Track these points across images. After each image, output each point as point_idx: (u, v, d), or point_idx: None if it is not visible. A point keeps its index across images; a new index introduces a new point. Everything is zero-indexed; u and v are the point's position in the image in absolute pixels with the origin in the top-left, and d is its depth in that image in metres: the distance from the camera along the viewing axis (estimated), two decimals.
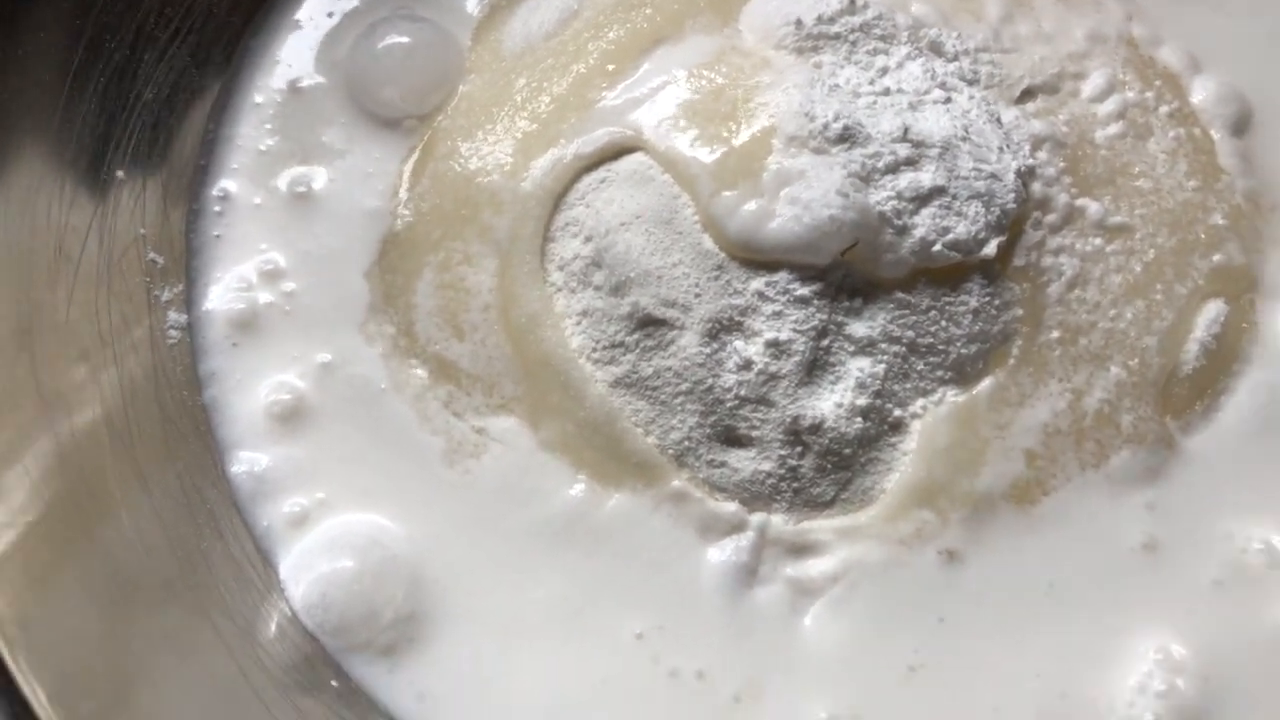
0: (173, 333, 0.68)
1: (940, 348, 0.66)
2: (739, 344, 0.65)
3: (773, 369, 0.65)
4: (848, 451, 0.66)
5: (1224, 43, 0.76)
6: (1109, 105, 0.73)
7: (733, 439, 0.66)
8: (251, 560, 0.64)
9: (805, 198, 0.64)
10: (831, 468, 0.66)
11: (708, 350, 0.65)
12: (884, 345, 0.65)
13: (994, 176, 0.67)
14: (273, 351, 0.69)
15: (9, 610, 0.54)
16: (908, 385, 0.66)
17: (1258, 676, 0.65)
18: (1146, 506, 0.67)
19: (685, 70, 0.69)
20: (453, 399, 0.69)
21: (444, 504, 0.66)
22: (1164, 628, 0.65)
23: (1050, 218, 0.69)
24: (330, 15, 0.75)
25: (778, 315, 0.65)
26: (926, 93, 0.69)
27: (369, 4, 0.76)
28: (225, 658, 0.61)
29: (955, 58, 0.72)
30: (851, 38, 0.70)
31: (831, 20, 0.70)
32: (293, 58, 0.75)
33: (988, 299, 0.67)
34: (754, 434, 0.65)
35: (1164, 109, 0.74)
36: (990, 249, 0.66)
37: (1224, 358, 0.70)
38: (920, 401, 0.66)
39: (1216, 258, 0.71)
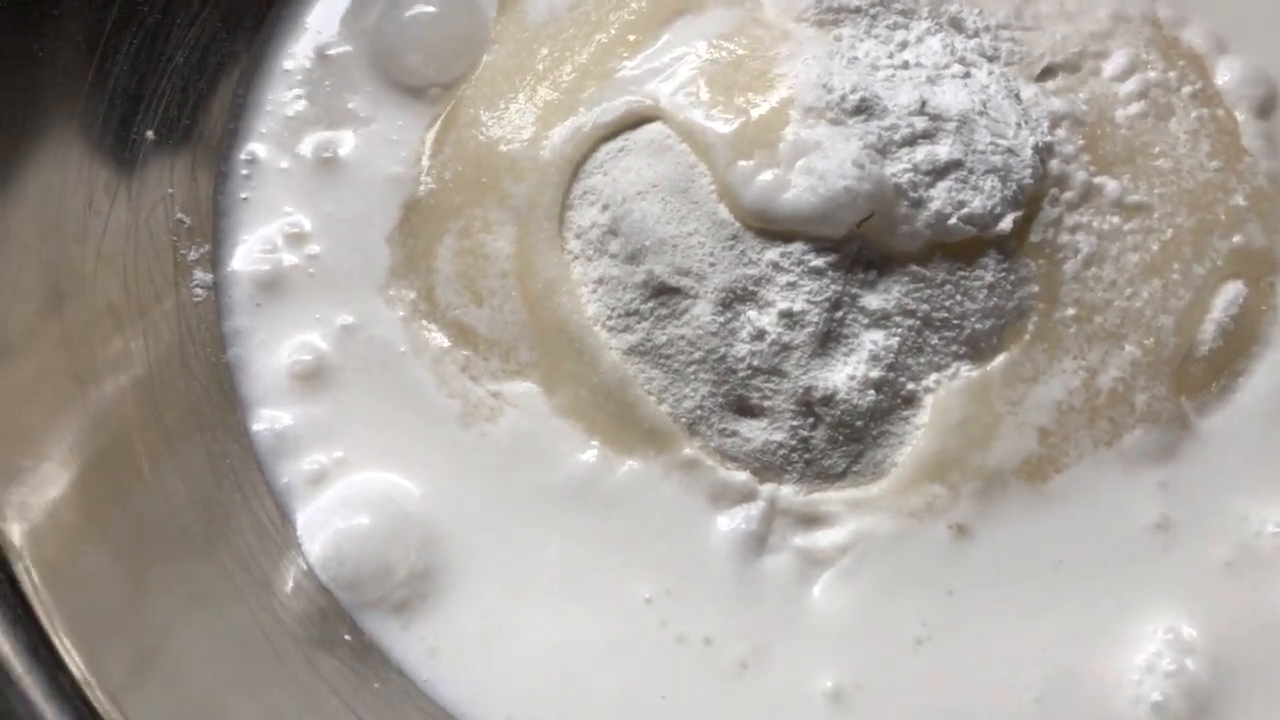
0: (199, 291, 0.70)
1: (955, 322, 0.66)
2: (752, 314, 0.66)
3: (786, 339, 0.65)
4: (859, 424, 0.66)
5: (1250, 24, 0.76)
6: (1130, 85, 0.73)
7: (745, 409, 0.66)
8: (270, 516, 0.66)
9: (821, 168, 0.64)
10: (843, 440, 0.66)
11: (721, 319, 0.66)
12: (898, 318, 0.66)
13: (1011, 151, 0.67)
14: (296, 312, 0.70)
15: (40, 565, 0.55)
16: (921, 359, 0.66)
17: (1268, 658, 0.65)
18: (1159, 486, 0.67)
19: (705, 41, 0.69)
20: (470, 363, 0.70)
21: (459, 465, 0.68)
22: (1174, 608, 0.65)
23: (1068, 195, 0.69)
24: None
25: (792, 286, 0.65)
26: (945, 67, 0.69)
27: None
28: (244, 610, 0.63)
29: (976, 34, 0.72)
30: (872, 11, 0.70)
31: None
32: (321, 25, 0.76)
33: (1003, 274, 0.67)
34: (766, 404, 0.66)
35: (1187, 89, 0.74)
36: (1006, 224, 0.66)
37: (1242, 339, 0.70)
38: (933, 376, 0.67)
39: (1236, 239, 0.71)
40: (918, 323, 0.66)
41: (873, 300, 0.66)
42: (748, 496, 0.66)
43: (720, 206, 0.66)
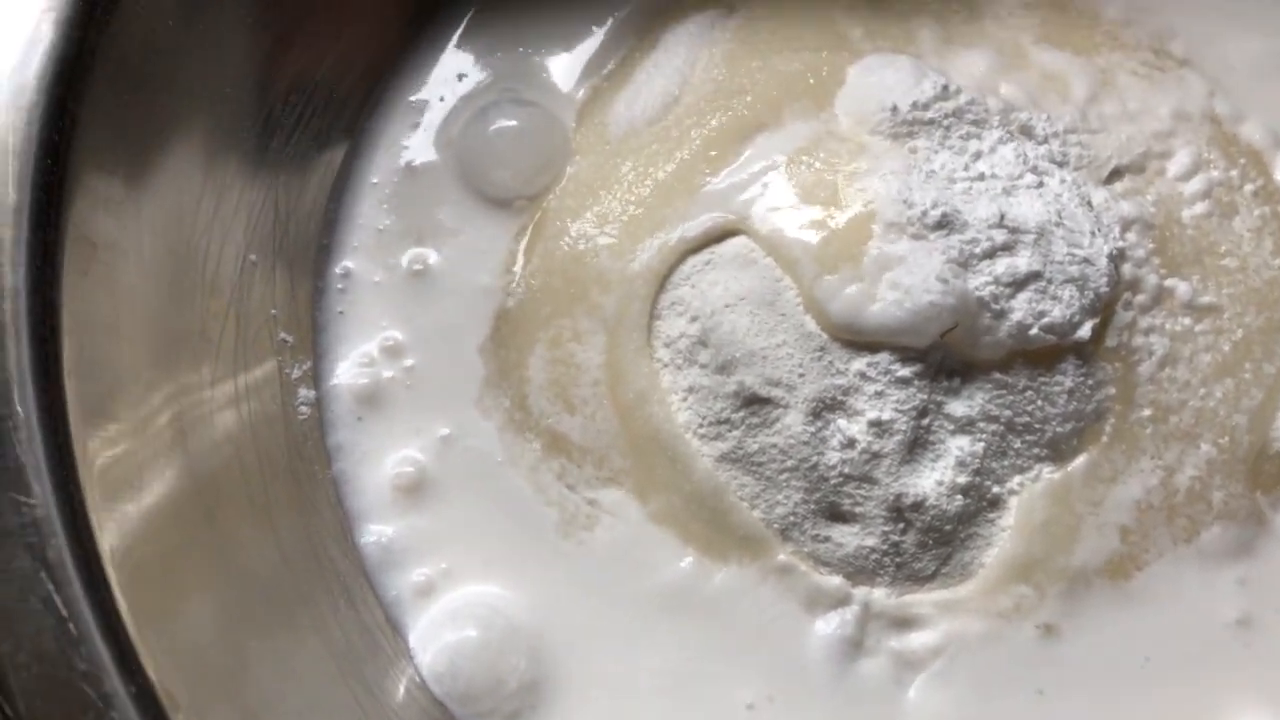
0: (303, 409, 0.72)
1: (1037, 426, 0.68)
2: (842, 423, 0.68)
3: (875, 447, 0.67)
4: (948, 528, 0.68)
5: None
6: (1195, 184, 0.75)
7: (837, 514, 0.69)
8: (381, 627, 0.68)
9: (906, 283, 0.66)
10: (933, 543, 0.68)
11: (812, 429, 0.68)
12: (982, 424, 0.68)
13: (1087, 261, 0.69)
14: (395, 425, 0.72)
15: (167, 682, 0.57)
16: (1005, 463, 0.69)
17: None
18: (1238, 582, 0.69)
19: (785, 156, 0.72)
20: (565, 471, 0.72)
21: (560, 574, 0.70)
22: (1259, 703, 0.67)
23: (1140, 298, 0.71)
24: (442, 99, 0.79)
25: (879, 395, 0.68)
26: (1019, 177, 0.71)
27: (479, 88, 0.79)
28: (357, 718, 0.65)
29: (1045, 140, 0.74)
30: (945, 123, 0.73)
31: (926, 106, 0.72)
32: (407, 139, 0.78)
33: (1082, 379, 0.69)
34: (857, 510, 0.68)
35: (1249, 187, 0.76)
36: (1085, 331, 0.68)
37: None
38: (1017, 478, 0.69)
39: None
40: (1001, 428, 0.68)
41: (958, 407, 0.68)
42: (842, 601, 0.68)
43: (807, 319, 0.68)
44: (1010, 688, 0.67)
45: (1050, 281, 0.68)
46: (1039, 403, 0.68)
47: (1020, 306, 0.67)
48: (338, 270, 0.76)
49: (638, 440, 0.71)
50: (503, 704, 0.66)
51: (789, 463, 0.68)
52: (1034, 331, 0.67)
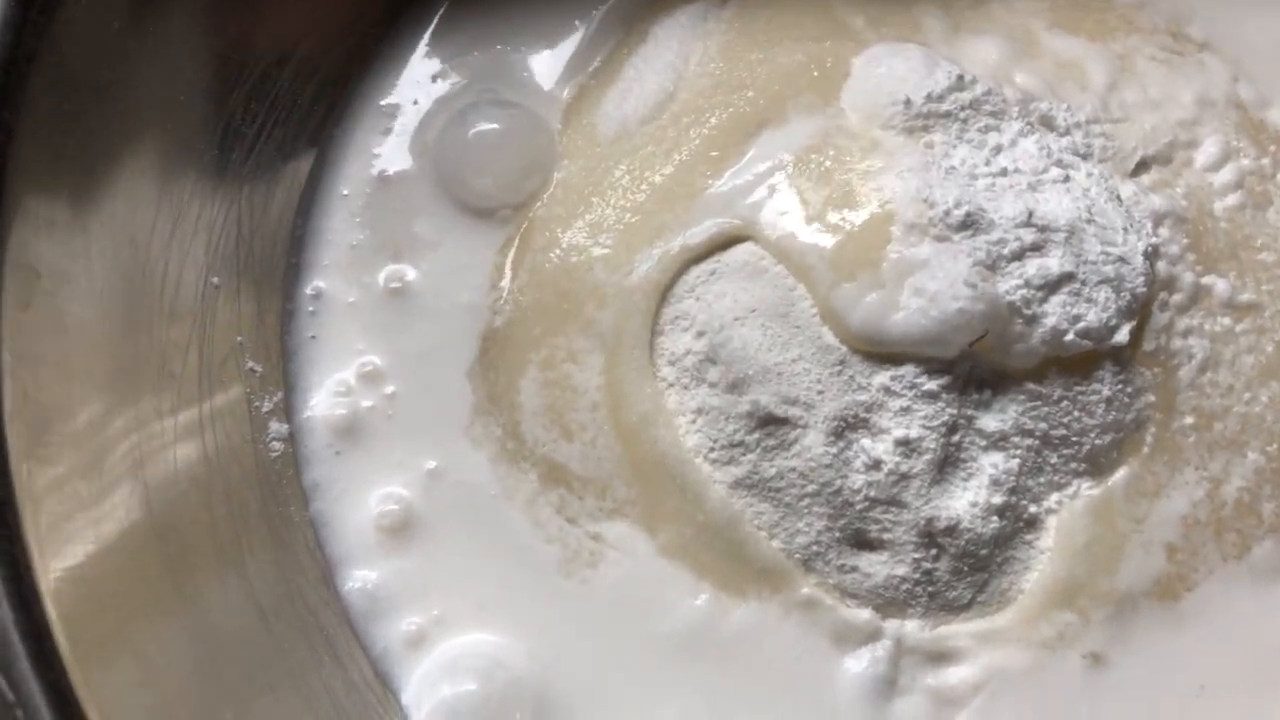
0: (275, 445, 0.66)
1: (1074, 439, 0.64)
2: (866, 442, 0.63)
3: (903, 468, 0.62)
4: (984, 552, 0.63)
5: None
6: (1225, 175, 0.71)
7: (863, 542, 0.64)
8: (369, 684, 0.62)
9: (931, 289, 0.61)
10: (968, 569, 0.63)
11: (834, 450, 0.63)
12: (1016, 439, 0.63)
13: (1122, 260, 0.64)
14: (377, 459, 0.67)
15: None
16: (1041, 479, 0.64)
17: None
18: None
19: (791, 154, 0.67)
20: (565, 503, 0.66)
21: (564, 617, 0.64)
22: None
23: (1177, 298, 0.67)
24: (416, 103, 0.73)
25: (905, 411, 0.63)
26: (1044, 171, 0.67)
27: (455, 89, 0.73)
28: None
29: (1067, 131, 0.69)
30: (962, 115, 0.68)
31: (941, 98, 0.67)
32: (379, 147, 0.73)
33: (1120, 386, 0.64)
34: (886, 537, 0.63)
35: None
36: (1123, 335, 0.64)
37: None
38: (1055, 496, 0.64)
39: None
40: (1036, 442, 0.63)
41: (989, 422, 0.63)
42: (872, 636, 0.63)
43: (824, 330, 0.63)
44: None
45: (1084, 283, 0.63)
46: (1075, 413, 0.64)
47: (1053, 311, 0.63)
48: (308, 291, 0.70)
49: (643, 467, 0.65)
50: None
51: (810, 487, 0.63)
52: (1069, 337, 0.63)
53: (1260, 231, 0.70)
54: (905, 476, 0.63)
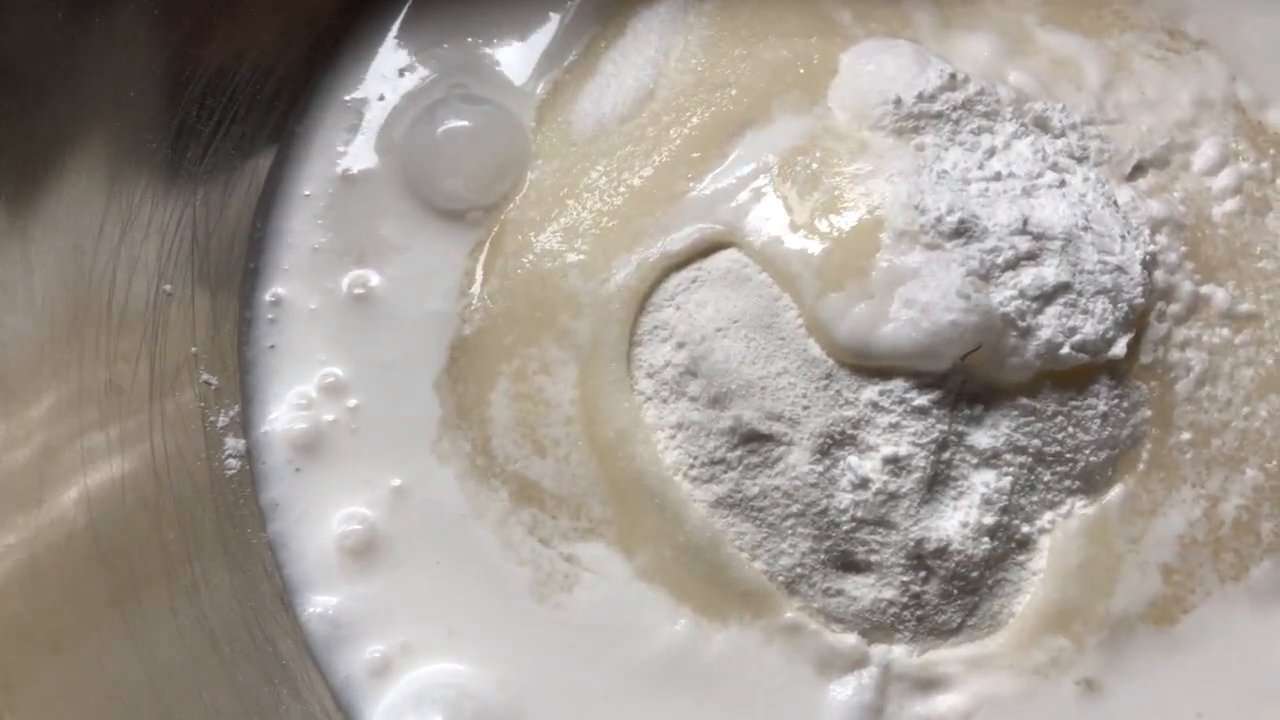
0: (231, 462, 0.63)
1: (1068, 456, 0.61)
2: (853, 460, 0.60)
3: (892, 487, 0.60)
4: (975, 574, 0.61)
5: None
6: (1223, 179, 0.69)
7: (850, 564, 0.61)
8: (331, 716, 0.59)
9: (923, 299, 0.59)
10: (958, 592, 0.61)
11: (819, 468, 0.60)
12: (1008, 456, 0.61)
13: (1120, 269, 0.62)
14: (340, 477, 0.64)
15: None
16: (1034, 498, 0.61)
17: None
18: None
19: (777, 156, 0.64)
20: (538, 523, 0.63)
21: (536, 644, 0.61)
22: None
23: (1174, 308, 0.64)
24: (382, 98, 0.70)
25: (894, 428, 0.60)
26: (1039, 175, 0.64)
27: (424, 84, 0.70)
28: None
29: (1062, 133, 0.67)
30: (954, 116, 0.65)
31: (932, 98, 0.65)
32: (344, 145, 0.69)
33: (1116, 401, 0.62)
34: (873, 558, 0.60)
35: None
36: (1120, 348, 0.61)
37: None
38: (1048, 515, 0.62)
39: None
40: (1029, 459, 0.61)
41: (981, 438, 0.60)
42: (858, 662, 0.61)
43: (810, 342, 0.61)
44: None
45: (1080, 294, 0.61)
46: (1070, 429, 0.61)
47: (1049, 323, 0.60)
48: (267, 298, 0.67)
49: (620, 485, 0.62)
50: None
51: (794, 507, 0.60)
52: (1065, 350, 0.60)
53: (1260, 239, 0.68)
54: (894, 496, 0.60)
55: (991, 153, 0.64)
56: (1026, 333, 0.60)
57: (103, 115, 0.59)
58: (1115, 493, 0.62)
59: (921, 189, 0.61)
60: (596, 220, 0.65)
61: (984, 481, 0.61)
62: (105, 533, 0.53)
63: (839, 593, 0.61)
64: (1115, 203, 0.65)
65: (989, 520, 0.60)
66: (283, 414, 0.64)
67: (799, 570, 0.61)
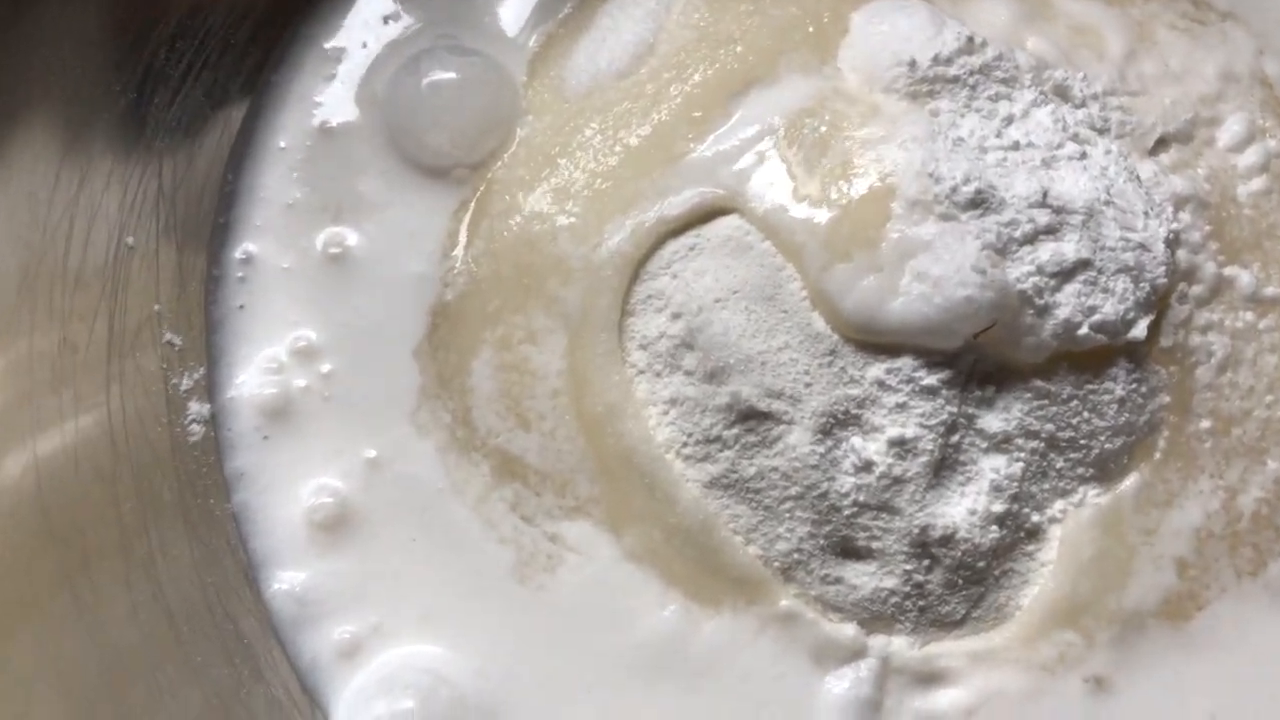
0: (194, 428, 0.59)
1: (1082, 442, 0.58)
2: (857, 441, 0.57)
3: (896, 471, 0.56)
4: (981, 564, 0.58)
5: None
6: (1250, 156, 0.65)
7: (850, 551, 0.58)
8: (295, 701, 0.56)
9: (935, 273, 0.55)
10: (963, 583, 0.58)
11: (821, 449, 0.57)
12: (1020, 441, 0.57)
13: (1142, 247, 0.58)
14: (310, 446, 0.60)
15: None
16: (1046, 486, 0.58)
17: None
18: None
19: (783, 118, 0.60)
20: (521, 500, 0.60)
21: (517, 628, 0.58)
22: None
23: (1196, 290, 0.61)
24: (364, 46, 0.66)
25: (901, 408, 0.57)
26: (1059, 146, 0.61)
27: (408, 33, 0.66)
28: None
29: (1083, 103, 0.63)
30: (971, 81, 0.61)
31: (948, 61, 0.61)
32: (322, 95, 0.65)
33: (1134, 385, 0.59)
34: (875, 545, 0.57)
35: None
36: (1140, 330, 0.58)
37: None
38: (1059, 504, 0.59)
39: None
40: (1042, 445, 0.58)
41: (992, 421, 0.57)
42: (856, 653, 0.58)
43: (814, 316, 0.57)
44: None
45: (1101, 271, 0.57)
46: (1085, 414, 0.58)
47: (1067, 301, 0.57)
48: (237, 255, 0.63)
49: (608, 462, 0.59)
50: None
51: (793, 490, 0.57)
52: (1083, 331, 0.57)
53: None
54: (898, 480, 0.57)
55: (1009, 121, 0.61)
56: (1044, 311, 0.57)
57: (62, 55, 0.55)
58: (1130, 482, 0.59)
59: (936, 156, 0.57)
60: (589, 181, 0.62)
61: (994, 467, 0.57)
62: (55, 503, 0.50)
63: (838, 580, 0.58)
64: (1137, 177, 0.61)
65: (998, 508, 0.57)
66: (251, 378, 0.61)
67: (796, 556, 0.58)
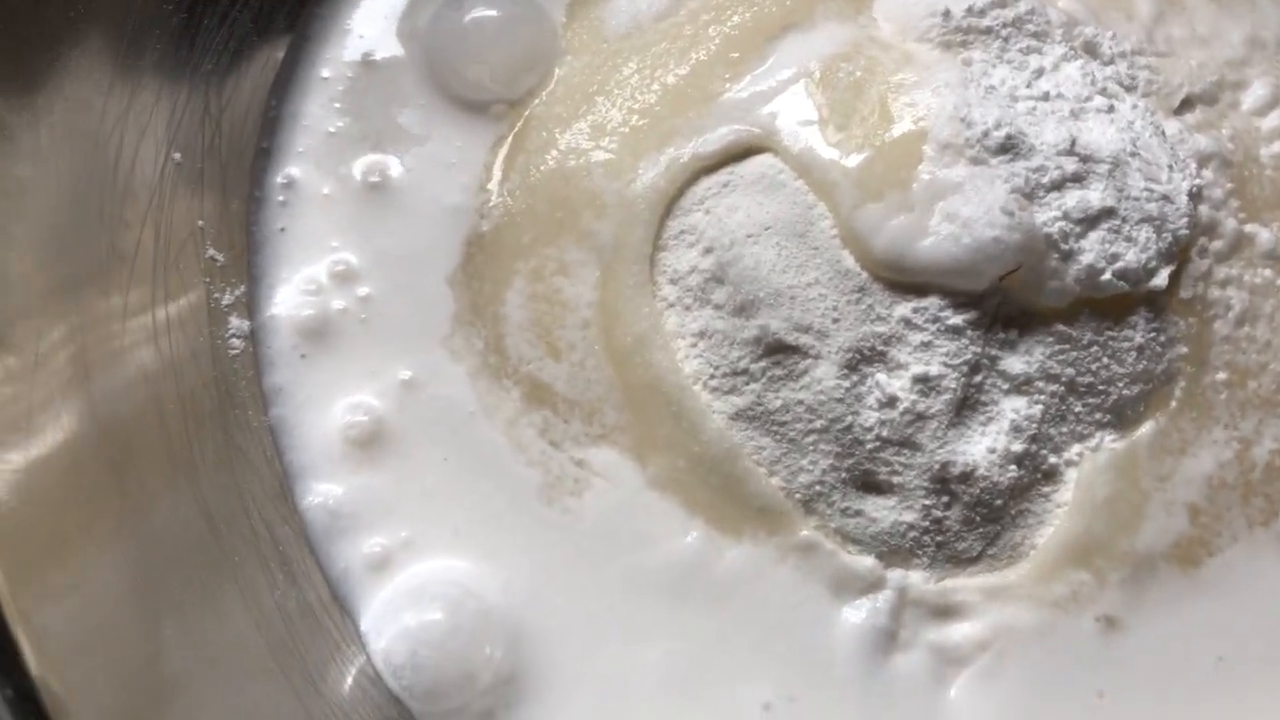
0: (235, 342, 0.60)
1: (1101, 388, 0.59)
2: (881, 377, 0.58)
3: (920, 408, 0.58)
4: (999, 503, 0.59)
5: None
6: (1273, 120, 0.67)
7: (871, 485, 0.59)
8: (326, 607, 0.57)
9: (964, 214, 0.56)
10: (980, 520, 0.59)
11: (846, 384, 0.58)
12: (1040, 383, 0.59)
13: (1166, 198, 0.60)
14: (347, 365, 0.61)
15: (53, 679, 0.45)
16: (1064, 429, 0.59)
17: None
18: None
19: (819, 61, 0.61)
20: (549, 426, 0.61)
21: (543, 547, 0.59)
22: None
23: (1217, 245, 0.62)
24: None
25: (926, 346, 0.58)
26: (1088, 99, 0.62)
27: None
28: (296, 716, 0.54)
29: (1111, 60, 0.65)
30: (1004, 33, 0.63)
31: (982, 12, 0.62)
32: (366, 27, 0.66)
33: (1153, 334, 0.60)
34: (895, 480, 0.58)
35: None
36: (1161, 279, 0.59)
37: None
38: (1076, 447, 0.60)
39: None
40: (1061, 388, 0.59)
41: (1014, 363, 0.58)
42: (874, 585, 0.59)
43: (844, 254, 0.58)
44: (1065, 688, 0.58)
45: (1125, 220, 0.59)
46: (1105, 360, 0.59)
47: (1091, 247, 0.58)
48: (279, 179, 0.64)
49: (636, 392, 0.60)
50: (473, 701, 0.56)
51: (817, 423, 0.58)
52: (1105, 277, 0.58)
53: None
54: (921, 417, 0.58)
55: (1040, 73, 0.62)
56: (1068, 256, 0.58)
57: None
58: (1146, 429, 0.60)
59: (969, 102, 0.59)
60: (626, 118, 0.63)
61: (1014, 408, 0.59)
62: (104, 404, 0.51)
63: (858, 513, 0.59)
64: (1163, 132, 0.62)
65: (1017, 448, 0.58)
66: (290, 298, 0.62)
67: (818, 488, 0.59)
